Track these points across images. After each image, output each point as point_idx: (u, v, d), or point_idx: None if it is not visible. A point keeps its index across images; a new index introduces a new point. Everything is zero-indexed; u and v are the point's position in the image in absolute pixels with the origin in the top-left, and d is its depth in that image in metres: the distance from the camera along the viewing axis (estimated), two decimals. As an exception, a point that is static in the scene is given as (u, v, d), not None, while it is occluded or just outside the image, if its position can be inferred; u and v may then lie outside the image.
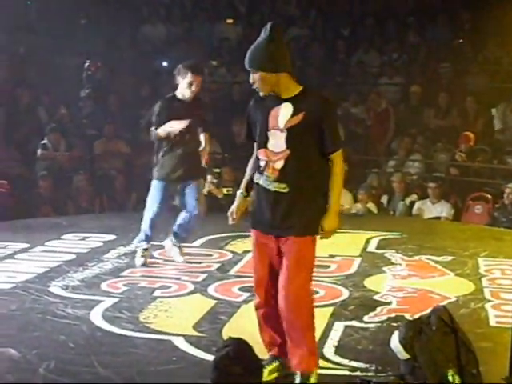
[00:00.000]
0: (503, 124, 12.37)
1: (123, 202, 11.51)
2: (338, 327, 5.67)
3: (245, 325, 5.61)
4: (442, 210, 10.51)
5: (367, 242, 8.46)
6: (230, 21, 15.25)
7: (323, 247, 8.00)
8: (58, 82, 12.75)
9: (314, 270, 7.23)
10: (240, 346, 4.28)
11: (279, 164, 4.42)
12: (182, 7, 15.74)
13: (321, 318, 5.85)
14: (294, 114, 4.40)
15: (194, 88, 7.13)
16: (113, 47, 14.24)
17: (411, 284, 6.83)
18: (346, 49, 14.70)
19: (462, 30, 14.33)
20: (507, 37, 13.06)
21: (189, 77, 7.10)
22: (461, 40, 14.15)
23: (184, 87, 7.15)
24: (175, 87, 7.24)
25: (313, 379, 4.49)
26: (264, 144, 4.49)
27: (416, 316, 5.23)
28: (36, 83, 12.85)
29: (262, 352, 4.61)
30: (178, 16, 15.50)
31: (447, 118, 12.73)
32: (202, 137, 7.39)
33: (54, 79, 12.68)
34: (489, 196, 10.73)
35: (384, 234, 8.85)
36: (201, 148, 7.37)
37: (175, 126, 7.03)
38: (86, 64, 11.56)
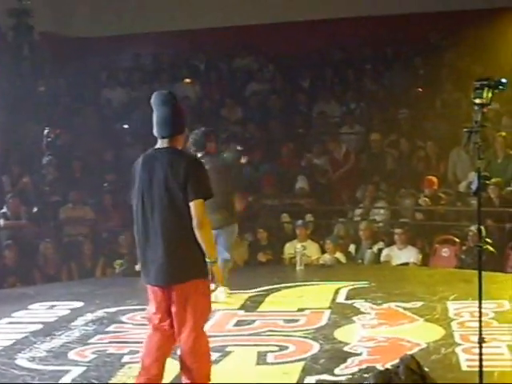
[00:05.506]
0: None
1: (91, 267, 11.40)
2: (310, 382, 5.61)
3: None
4: (410, 255, 10.51)
5: (336, 292, 8.42)
6: (187, 80, 15.35)
7: (292, 301, 8.09)
8: (20, 150, 12.74)
9: (284, 324, 7.22)
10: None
11: None
12: (141, 70, 15.86)
13: (292, 373, 5.83)
14: None
15: None
16: (73, 113, 14.26)
17: (381, 333, 6.79)
18: (307, 100, 14.84)
19: (416, 76, 14.54)
20: (463, 79, 13.24)
21: None
22: (419, 89, 14.33)
23: None
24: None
25: None
26: None
27: (386, 366, 5.19)
28: (-2, 152, 12.81)
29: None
30: (139, 79, 15.60)
31: (409, 163, 12.82)
32: None
33: (16, 147, 12.65)
34: (455, 239, 10.77)
35: (353, 283, 8.82)
36: None
37: None
38: (46, 131, 11.54)
